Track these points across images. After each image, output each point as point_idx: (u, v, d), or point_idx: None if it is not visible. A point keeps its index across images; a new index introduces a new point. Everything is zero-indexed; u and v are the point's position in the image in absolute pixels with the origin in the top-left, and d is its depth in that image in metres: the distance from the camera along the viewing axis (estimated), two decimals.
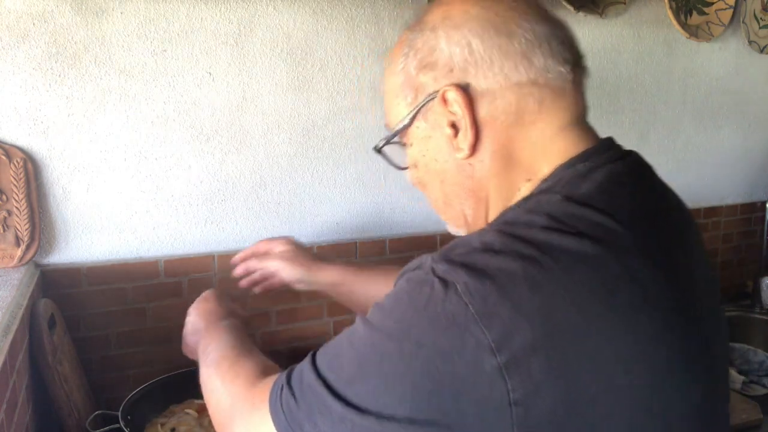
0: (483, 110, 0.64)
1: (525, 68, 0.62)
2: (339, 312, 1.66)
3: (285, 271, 1.14)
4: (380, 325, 0.59)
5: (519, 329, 0.51)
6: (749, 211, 2.23)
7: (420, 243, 1.73)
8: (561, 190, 0.61)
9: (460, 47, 0.64)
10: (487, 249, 0.56)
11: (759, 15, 2.07)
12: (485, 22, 0.63)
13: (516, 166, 0.66)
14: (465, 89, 0.64)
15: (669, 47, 1.97)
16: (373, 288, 1.08)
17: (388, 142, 0.74)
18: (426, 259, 0.59)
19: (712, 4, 1.99)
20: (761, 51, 2.11)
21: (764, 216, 2.16)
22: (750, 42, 2.08)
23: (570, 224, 0.56)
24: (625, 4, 1.86)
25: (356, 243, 1.66)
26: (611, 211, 0.58)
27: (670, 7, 1.89)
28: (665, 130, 2.02)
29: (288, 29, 1.50)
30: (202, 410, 1.35)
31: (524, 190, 0.66)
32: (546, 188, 0.63)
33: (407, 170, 0.76)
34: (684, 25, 1.93)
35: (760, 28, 2.08)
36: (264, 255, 1.18)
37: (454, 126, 0.66)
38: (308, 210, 1.60)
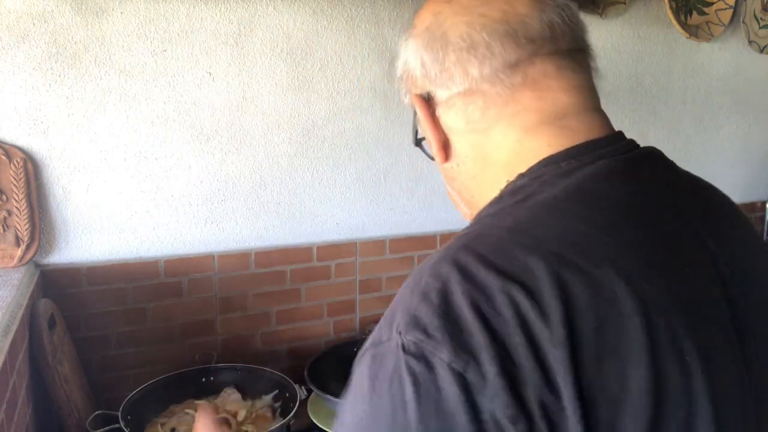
0: (444, 118, 0.65)
1: (461, 78, 0.61)
2: (339, 312, 1.66)
3: None
4: None
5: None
6: (749, 211, 2.23)
7: (420, 243, 1.73)
8: (534, 190, 0.57)
9: (420, 62, 0.65)
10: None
11: (759, 15, 2.07)
12: (430, 34, 0.63)
13: (493, 166, 0.63)
14: (427, 100, 0.65)
15: (669, 47, 1.97)
16: None
17: (416, 138, 0.74)
18: (383, 327, 0.51)
19: (712, 4, 1.98)
20: (761, 51, 2.11)
21: (764, 216, 2.16)
22: (750, 42, 2.08)
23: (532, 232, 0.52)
24: (625, 4, 1.86)
25: (356, 243, 1.66)
26: (585, 217, 0.53)
27: (670, 7, 1.89)
28: (665, 130, 2.01)
29: (288, 29, 1.50)
30: None
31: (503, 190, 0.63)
32: (520, 186, 0.59)
33: None
34: (684, 25, 1.93)
35: (760, 28, 2.08)
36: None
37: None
38: (308, 210, 1.60)
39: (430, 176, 1.72)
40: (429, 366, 0.45)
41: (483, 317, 0.45)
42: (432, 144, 0.67)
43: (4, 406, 0.91)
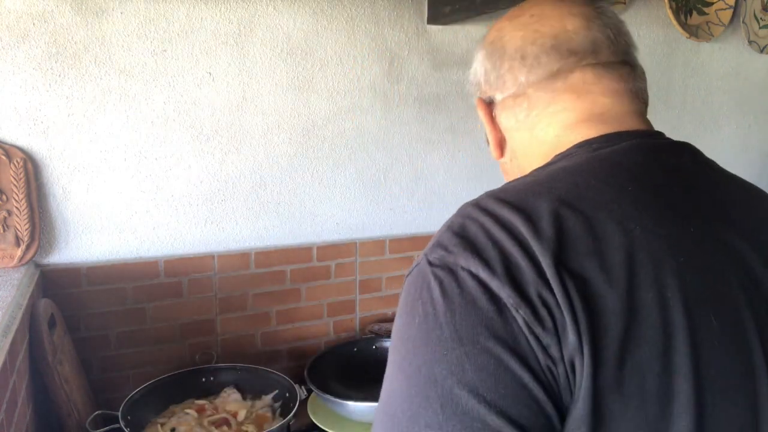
0: (500, 119, 0.76)
1: (511, 83, 0.73)
2: (339, 312, 1.66)
3: None
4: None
5: None
6: None
7: (420, 243, 1.73)
8: (560, 161, 0.66)
9: (482, 69, 0.76)
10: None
11: (759, 15, 2.07)
12: (493, 47, 0.75)
13: (537, 159, 0.71)
14: (489, 103, 0.76)
15: (669, 47, 1.97)
16: None
17: (486, 138, 0.85)
18: (416, 258, 0.63)
19: (712, 4, 1.98)
20: (761, 51, 2.11)
21: None
22: (750, 42, 2.08)
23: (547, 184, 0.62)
24: (625, 4, 1.86)
25: (356, 243, 1.66)
26: (595, 175, 0.61)
27: (670, 7, 1.89)
28: (665, 130, 2.00)
29: (288, 29, 1.50)
30: (202, 410, 1.35)
31: None
32: (550, 162, 0.68)
33: None
34: (684, 25, 1.93)
35: (760, 28, 2.08)
36: None
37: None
38: (308, 210, 1.60)
39: (430, 176, 1.73)
40: (450, 271, 0.56)
41: (490, 235, 0.57)
42: (490, 141, 0.78)
43: (4, 406, 0.91)
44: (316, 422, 1.36)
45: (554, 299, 0.53)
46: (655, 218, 0.58)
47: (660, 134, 0.71)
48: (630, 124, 0.69)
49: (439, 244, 0.59)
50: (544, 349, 0.52)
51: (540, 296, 0.53)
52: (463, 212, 0.61)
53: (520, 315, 0.52)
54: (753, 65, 2.14)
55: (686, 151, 0.69)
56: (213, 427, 1.30)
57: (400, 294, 0.61)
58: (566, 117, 0.70)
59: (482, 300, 0.54)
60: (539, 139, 0.72)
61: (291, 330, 1.62)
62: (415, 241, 1.73)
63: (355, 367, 1.53)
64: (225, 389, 1.43)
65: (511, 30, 0.74)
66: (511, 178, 0.75)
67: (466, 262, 0.55)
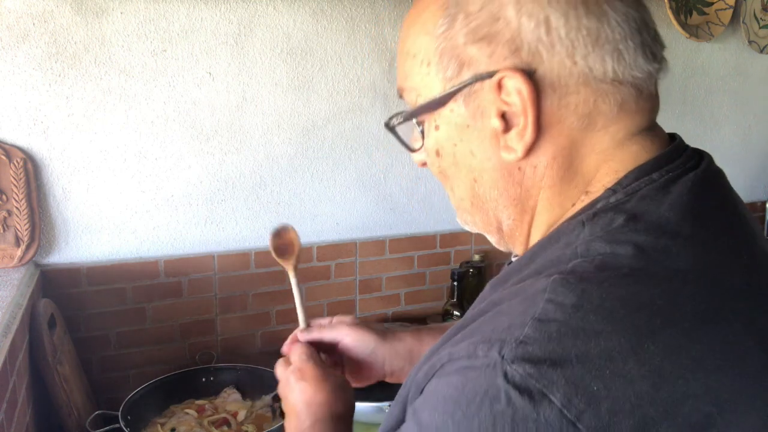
0: (549, 107, 0.52)
1: (613, 62, 0.51)
2: (339, 312, 1.66)
3: (353, 338, 0.86)
4: None
5: None
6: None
7: (420, 243, 1.73)
8: (636, 207, 0.50)
9: (535, 22, 0.50)
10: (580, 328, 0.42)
11: (759, 15, 2.07)
12: None
13: (575, 176, 0.54)
14: (530, 77, 0.51)
15: (669, 47, 1.95)
16: None
17: (406, 119, 0.60)
18: (481, 344, 0.44)
19: (712, 4, 1.98)
20: (761, 51, 2.11)
21: (764, 216, 2.16)
22: (750, 42, 2.07)
23: (664, 263, 0.46)
24: None
25: (356, 243, 1.66)
26: (703, 239, 0.49)
27: (670, 7, 1.89)
28: (665, 130, 2.01)
29: (288, 29, 1.50)
30: (202, 410, 1.35)
31: (579, 204, 0.54)
32: (616, 203, 0.51)
33: (421, 153, 0.62)
34: (684, 25, 1.93)
35: (760, 28, 2.08)
36: (327, 327, 0.93)
37: (504, 118, 0.53)
38: (308, 210, 1.60)
39: (430, 176, 1.72)
40: (534, 403, 0.40)
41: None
42: (522, 136, 0.56)
43: (4, 406, 0.91)
44: None
45: None
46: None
47: (682, 143, 0.61)
48: (659, 133, 0.59)
49: (526, 351, 0.41)
50: None
51: None
52: (561, 300, 0.43)
53: None
54: (753, 65, 2.14)
55: (720, 175, 0.58)
56: (213, 427, 1.30)
57: (440, 376, 0.46)
58: (640, 121, 0.57)
59: None
60: (598, 147, 0.54)
61: (291, 330, 1.61)
62: (415, 241, 1.73)
63: None
64: (225, 389, 1.43)
65: None
66: (525, 197, 0.56)
67: (564, 399, 0.39)
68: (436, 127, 0.58)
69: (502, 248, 0.64)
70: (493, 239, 0.63)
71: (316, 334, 0.91)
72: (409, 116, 0.60)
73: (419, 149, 0.62)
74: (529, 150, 0.53)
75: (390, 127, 0.62)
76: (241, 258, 1.53)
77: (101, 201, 1.39)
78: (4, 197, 1.29)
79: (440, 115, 0.57)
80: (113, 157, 1.39)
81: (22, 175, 1.29)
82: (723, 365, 0.43)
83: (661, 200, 0.50)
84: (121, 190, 1.41)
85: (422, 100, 0.58)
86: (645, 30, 0.54)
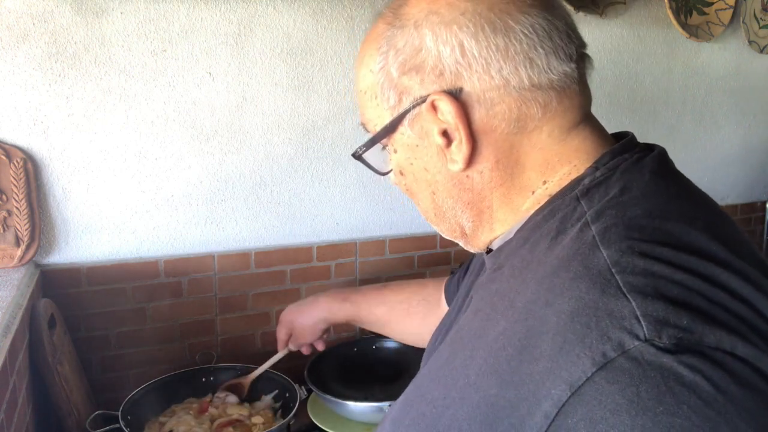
0: (479, 119, 0.58)
1: (526, 70, 0.57)
2: None
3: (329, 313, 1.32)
4: None
5: None
6: (749, 211, 2.23)
7: (420, 243, 1.73)
8: (623, 179, 0.56)
9: (450, 47, 0.57)
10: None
11: (759, 15, 2.07)
12: (478, 17, 0.56)
13: (524, 172, 0.60)
14: (456, 96, 0.58)
15: (669, 47, 1.97)
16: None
17: (368, 148, 0.68)
18: (599, 344, 0.44)
19: (712, 4, 1.98)
20: (761, 51, 2.11)
21: (764, 216, 2.16)
22: (750, 42, 2.07)
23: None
24: (625, 4, 1.86)
25: (356, 243, 1.66)
26: (684, 195, 0.58)
27: (670, 7, 1.89)
28: (665, 130, 2.01)
29: (288, 29, 1.50)
30: (202, 410, 1.35)
31: (541, 192, 0.61)
32: (602, 178, 0.57)
33: (391, 175, 0.70)
34: (684, 25, 1.92)
35: (760, 28, 2.08)
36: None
37: (446, 134, 0.60)
38: (308, 210, 1.60)
39: None
40: (704, 357, 0.42)
41: (705, 297, 0.46)
42: (460, 148, 0.67)
43: (4, 406, 0.91)
44: (316, 422, 1.36)
45: None
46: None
47: (627, 132, 0.68)
48: (599, 125, 0.67)
49: (659, 319, 0.43)
50: None
51: None
52: (633, 266, 0.48)
53: None
54: (753, 65, 2.14)
55: (670, 162, 0.65)
56: (213, 428, 1.30)
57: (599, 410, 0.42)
58: (572, 116, 0.63)
59: (761, 383, 0.42)
60: (538, 146, 0.62)
61: None
62: (415, 241, 1.73)
63: (355, 367, 1.54)
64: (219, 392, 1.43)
65: (499, 1, 0.58)
66: (477, 199, 0.63)
67: (715, 339, 0.43)
68: (395, 150, 0.66)
69: (471, 250, 0.71)
70: (461, 242, 0.70)
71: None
72: (369, 144, 0.68)
73: (389, 172, 0.71)
74: (471, 159, 0.60)
75: (357, 157, 0.70)
76: (241, 258, 1.53)
77: (101, 201, 1.39)
78: (4, 197, 1.29)
79: (395, 140, 0.65)
80: (113, 157, 1.39)
81: (22, 175, 1.29)
82: None
83: (641, 171, 0.58)
84: (121, 190, 1.41)
85: (378, 128, 0.66)
86: (556, 34, 0.58)
